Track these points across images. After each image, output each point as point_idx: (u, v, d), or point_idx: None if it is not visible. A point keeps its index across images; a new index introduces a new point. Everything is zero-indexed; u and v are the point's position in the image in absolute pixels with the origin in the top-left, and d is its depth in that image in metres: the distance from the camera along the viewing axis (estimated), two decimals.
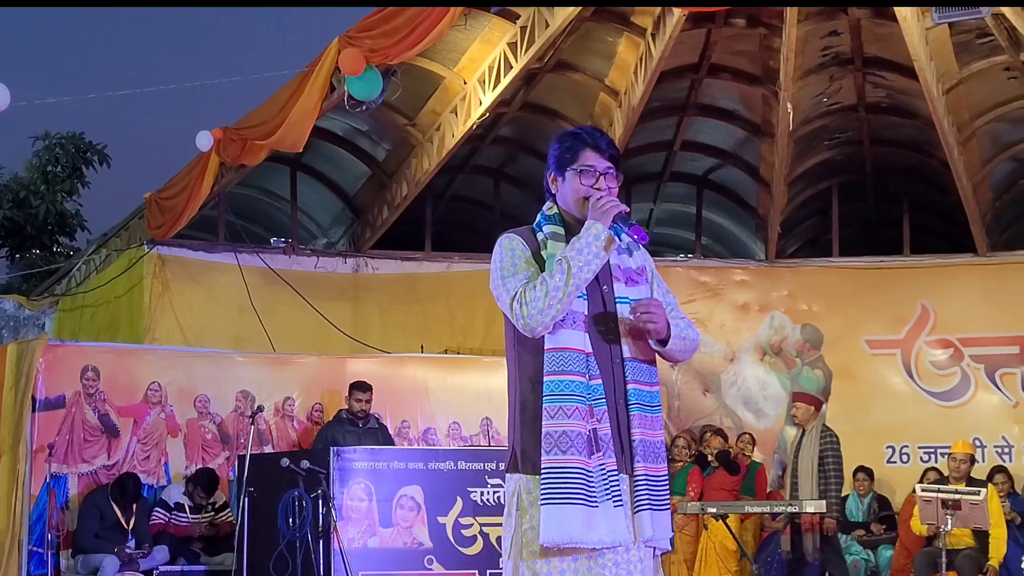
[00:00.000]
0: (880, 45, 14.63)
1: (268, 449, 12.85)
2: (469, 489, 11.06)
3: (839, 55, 14.92)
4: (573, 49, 14.74)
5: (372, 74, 13.01)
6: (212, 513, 12.53)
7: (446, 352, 14.87)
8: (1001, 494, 13.46)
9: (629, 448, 4.64)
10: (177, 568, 12.02)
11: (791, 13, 13.78)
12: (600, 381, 4.59)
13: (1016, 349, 15.51)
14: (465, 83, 14.58)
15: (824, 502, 12.89)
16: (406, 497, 10.93)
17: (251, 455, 11.18)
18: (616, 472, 4.56)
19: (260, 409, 12.44)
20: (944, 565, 11.55)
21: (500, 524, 10.84)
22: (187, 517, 12.44)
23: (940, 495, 11.51)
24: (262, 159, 13.94)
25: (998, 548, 12.12)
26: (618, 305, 4.69)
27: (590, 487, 4.50)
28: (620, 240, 4.69)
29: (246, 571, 10.92)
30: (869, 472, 14.43)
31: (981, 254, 15.84)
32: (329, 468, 10.54)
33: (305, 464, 10.50)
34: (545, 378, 4.57)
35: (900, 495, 14.36)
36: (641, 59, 14.34)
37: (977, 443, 15.10)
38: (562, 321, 4.58)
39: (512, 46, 14.03)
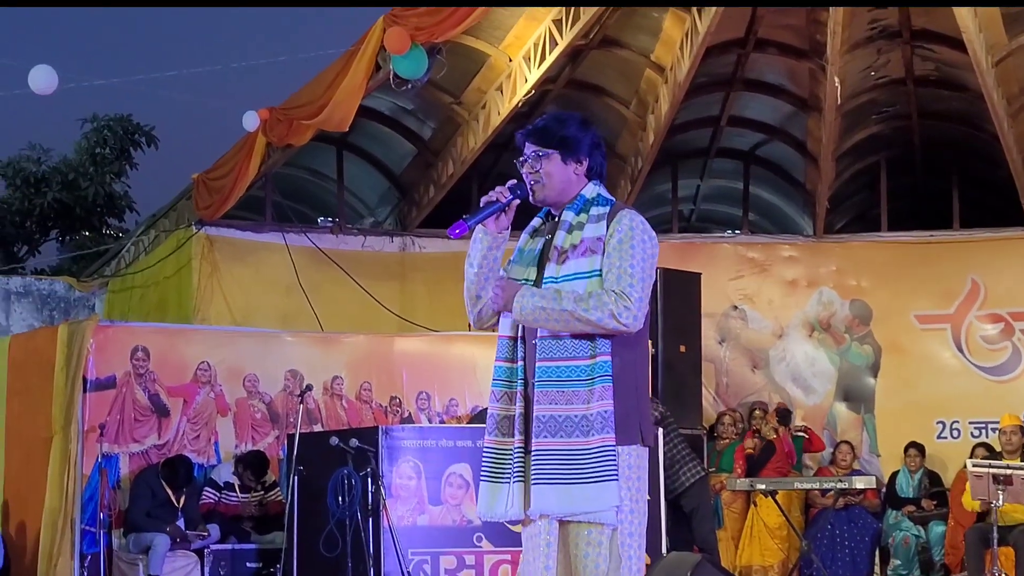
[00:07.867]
0: (928, 17, 14.52)
1: (317, 428, 12.88)
2: None
3: (886, 28, 14.81)
4: (618, 25, 14.69)
5: (417, 52, 13.00)
6: (262, 492, 12.58)
7: (493, 330, 14.84)
8: None
9: (532, 425, 4.89)
10: (228, 546, 12.08)
11: None
12: (522, 363, 5.01)
13: None
14: (510, 60, 14.55)
15: (873, 478, 12.85)
16: (455, 475, 10.93)
17: (300, 434, 11.20)
18: (521, 450, 4.90)
19: (309, 388, 12.44)
20: (996, 541, 11.47)
21: None
22: (237, 496, 12.50)
23: (991, 470, 11.42)
24: (308, 139, 13.98)
25: None
26: (544, 285, 5.02)
27: (497, 465, 4.92)
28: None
29: (296, 549, 10.96)
30: (920, 448, 14.34)
31: None
32: (378, 446, 10.56)
33: (354, 443, 10.51)
34: None
35: (951, 471, 14.26)
36: (687, 34, 14.28)
37: None
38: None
39: (557, 23, 13.99)
